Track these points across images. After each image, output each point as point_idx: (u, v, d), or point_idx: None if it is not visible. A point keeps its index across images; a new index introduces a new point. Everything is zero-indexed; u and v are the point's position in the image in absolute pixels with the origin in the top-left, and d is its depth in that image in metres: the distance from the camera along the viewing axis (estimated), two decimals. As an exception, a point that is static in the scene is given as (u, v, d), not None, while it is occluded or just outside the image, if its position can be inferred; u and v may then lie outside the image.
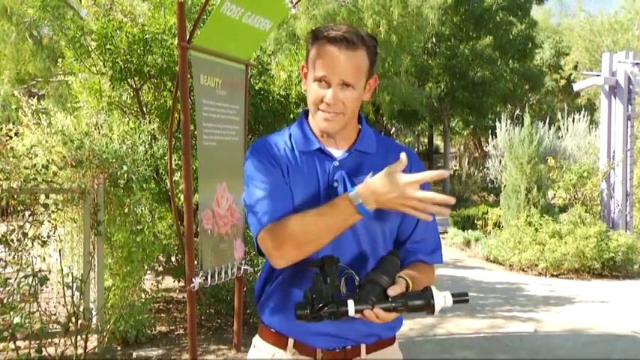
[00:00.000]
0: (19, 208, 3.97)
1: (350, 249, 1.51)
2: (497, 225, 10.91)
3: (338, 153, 1.57)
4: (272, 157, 1.54)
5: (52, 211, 4.09)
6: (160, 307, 5.75)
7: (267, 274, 1.61)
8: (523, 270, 8.68)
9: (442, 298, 1.37)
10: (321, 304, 1.34)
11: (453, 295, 1.39)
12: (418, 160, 1.63)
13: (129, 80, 5.23)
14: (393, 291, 1.37)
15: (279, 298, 1.57)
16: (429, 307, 1.37)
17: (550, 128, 13.02)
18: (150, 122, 5.19)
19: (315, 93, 1.50)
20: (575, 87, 10.90)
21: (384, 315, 1.36)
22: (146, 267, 5.00)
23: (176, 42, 3.80)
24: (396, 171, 1.34)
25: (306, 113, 1.63)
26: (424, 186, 1.61)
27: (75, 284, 3.96)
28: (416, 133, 30.79)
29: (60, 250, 4.07)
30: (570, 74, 24.38)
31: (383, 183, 1.34)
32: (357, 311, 1.34)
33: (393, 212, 1.54)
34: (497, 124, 13.46)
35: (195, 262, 3.58)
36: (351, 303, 1.34)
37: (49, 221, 4.08)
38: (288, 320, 1.55)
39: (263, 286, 1.62)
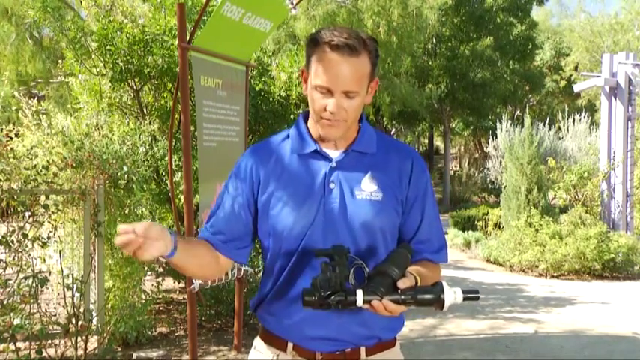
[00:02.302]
0: (19, 209, 3.96)
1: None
2: (497, 226, 10.91)
3: (335, 154, 1.56)
4: (247, 174, 1.57)
5: (53, 212, 4.09)
6: (161, 308, 5.74)
7: (265, 280, 1.62)
8: (523, 271, 8.68)
9: (452, 294, 1.35)
10: (329, 292, 1.32)
11: (464, 292, 1.36)
12: (421, 162, 1.63)
13: (129, 81, 5.23)
14: (402, 283, 1.36)
15: (277, 304, 1.57)
16: (438, 302, 1.35)
17: (550, 129, 13.03)
18: (150, 123, 5.19)
19: (317, 102, 1.48)
20: (576, 88, 10.91)
21: (393, 307, 1.34)
22: (146, 268, 5.00)
23: (176, 43, 3.80)
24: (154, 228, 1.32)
25: (304, 115, 1.63)
26: (423, 189, 1.60)
27: (75, 285, 3.95)
28: (416, 133, 30.80)
29: (60, 251, 4.07)
30: (570, 75, 24.37)
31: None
32: (365, 301, 1.33)
33: (391, 210, 1.54)
34: (498, 125, 13.46)
35: (196, 263, 3.57)
36: (359, 292, 1.33)
37: (49, 222, 4.08)
38: (287, 324, 1.55)
39: (262, 292, 1.62)
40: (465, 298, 1.37)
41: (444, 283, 1.37)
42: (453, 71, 18.74)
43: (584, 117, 13.63)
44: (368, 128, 1.61)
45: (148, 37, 5.03)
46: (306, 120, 1.61)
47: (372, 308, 1.35)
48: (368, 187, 1.53)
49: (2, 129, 4.29)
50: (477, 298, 1.39)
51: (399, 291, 1.35)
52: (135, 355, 4.46)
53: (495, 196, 15.80)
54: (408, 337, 5.12)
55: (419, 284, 1.41)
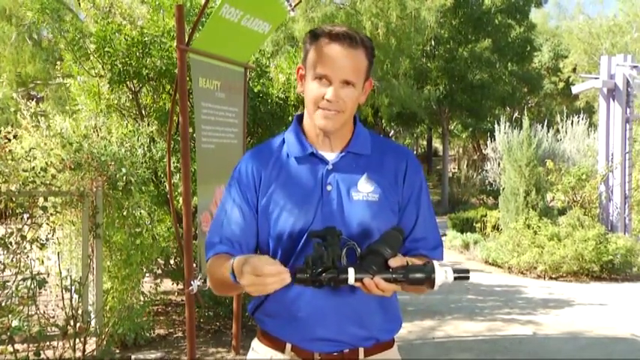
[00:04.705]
0: (17, 211, 3.96)
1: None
2: (496, 228, 10.90)
3: (331, 156, 1.57)
4: (249, 178, 1.57)
5: (51, 214, 4.08)
6: (159, 310, 5.74)
7: None
8: (522, 273, 8.68)
9: (443, 273, 1.36)
10: (320, 269, 1.33)
11: (455, 271, 1.38)
12: (415, 161, 1.64)
13: (127, 83, 5.23)
14: (394, 262, 1.36)
15: (275, 304, 1.57)
16: (429, 281, 1.36)
17: (549, 131, 13.03)
18: (149, 125, 5.19)
19: (315, 91, 1.49)
20: (574, 90, 10.92)
21: (384, 285, 1.35)
22: (145, 270, 4.99)
23: (175, 45, 3.80)
24: (266, 261, 1.30)
25: (299, 118, 1.63)
26: (418, 187, 1.61)
27: (73, 287, 3.95)
28: (415, 135, 30.82)
29: (58, 253, 4.07)
30: (569, 77, 24.42)
31: (251, 264, 1.30)
32: (357, 279, 1.34)
33: (388, 210, 1.55)
34: (496, 126, 13.47)
35: (194, 265, 3.58)
36: (351, 271, 1.34)
37: (47, 224, 4.07)
38: (285, 326, 1.56)
39: (260, 295, 1.61)
40: (456, 278, 1.38)
41: (435, 263, 1.38)
42: (452, 73, 18.75)
43: (583, 119, 13.64)
44: (362, 130, 1.63)
45: (146, 38, 5.03)
46: (300, 122, 1.62)
47: (364, 287, 1.36)
48: (364, 188, 1.54)
49: (1, 130, 4.29)
50: (468, 278, 1.40)
51: (391, 270, 1.36)
52: (133, 357, 4.45)
53: (494, 198, 15.76)
54: (406, 339, 5.12)
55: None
